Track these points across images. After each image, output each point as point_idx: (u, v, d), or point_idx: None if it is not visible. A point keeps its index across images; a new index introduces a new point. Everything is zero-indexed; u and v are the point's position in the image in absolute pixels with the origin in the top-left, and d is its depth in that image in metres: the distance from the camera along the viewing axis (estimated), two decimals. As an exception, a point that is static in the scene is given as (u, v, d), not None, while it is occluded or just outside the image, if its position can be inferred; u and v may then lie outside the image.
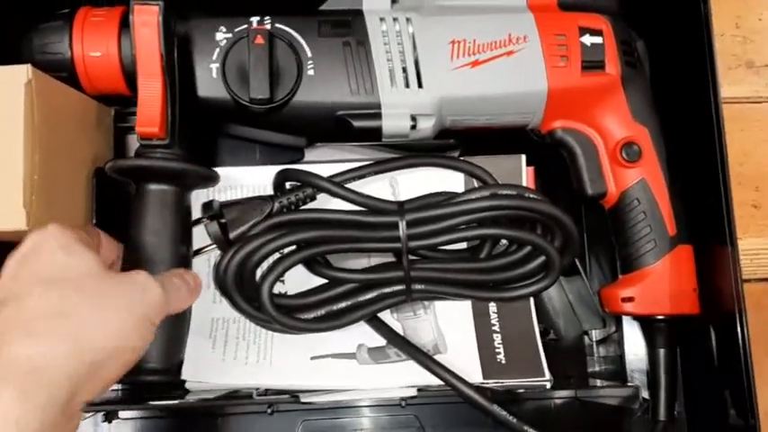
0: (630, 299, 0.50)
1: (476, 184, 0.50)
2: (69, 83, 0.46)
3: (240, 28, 0.45)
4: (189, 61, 0.45)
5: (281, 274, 0.45)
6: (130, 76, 0.45)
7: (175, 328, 0.43)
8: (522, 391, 0.49)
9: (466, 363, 0.49)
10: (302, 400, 0.47)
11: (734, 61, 0.58)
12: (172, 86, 0.43)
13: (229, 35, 0.45)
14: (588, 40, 0.47)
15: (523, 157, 0.51)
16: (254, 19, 0.46)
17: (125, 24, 0.45)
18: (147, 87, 0.42)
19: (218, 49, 0.45)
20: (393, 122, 0.46)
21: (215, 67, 0.45)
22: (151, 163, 0.43)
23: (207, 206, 0.47)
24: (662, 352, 0.50)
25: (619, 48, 0.48)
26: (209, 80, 0.45)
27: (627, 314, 0.51)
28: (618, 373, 0.53)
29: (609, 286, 0.52)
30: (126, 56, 0.45)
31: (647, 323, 0.51)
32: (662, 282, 0.49)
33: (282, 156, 0.52)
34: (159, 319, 0.38)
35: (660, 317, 0.50)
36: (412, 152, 0.50)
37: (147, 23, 0.42)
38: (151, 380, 0.42)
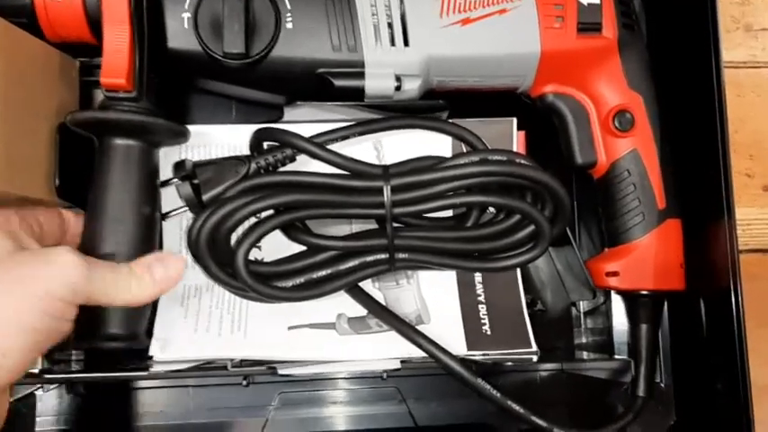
0: (615, 273, 0.47)
1: (464, 148, 0.46)
2: (29, 29, 0.41)
3: (215, -24, 0.41)
4: (158, 9, 0.41)
5: (258, 240, 0.41)
6: (95, 21, 0.41)
7: None
8: (507, 363, 0.46)
9: (450, 334, 0.46)
10: (279, 372, 0.43)
11: (732, 23, 0.55)
12: (140, 35, 0.39)
13: (202, -17, 0.41)
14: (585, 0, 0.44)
15: (514, 120, 0.47)
16: (232, -33, 0.41)
17: None
18: (114, 35, 0.38)
19: (189, -2, 0.41)
20: (376, 82, 0.42)
21: (186, 16, 0.41)
22: (116, 116, 0.38)
23: (179, 165, 0.43)
24: (644, 327, 0.47)
25: (616, 9, 0.45)
26: (181, 30, 0.41)
27: (611, 288, 0.49)
28: (605, 345, 0.51)
29: (594, 259, 0.49)
30: (90, 1, 0.40)
31: (630, 298, 0.48)
32: (648, 256, 0.46)
33: (260, 114, 0.47)
34: (77, 298, 0.34)
35: (644, 292, 0.47)
36: (398, 113, 0.46)
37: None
38: (112, 346, 0.38)
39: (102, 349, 0.39)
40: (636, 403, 0.46)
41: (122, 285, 0.37)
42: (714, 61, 0.43)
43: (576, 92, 0.47)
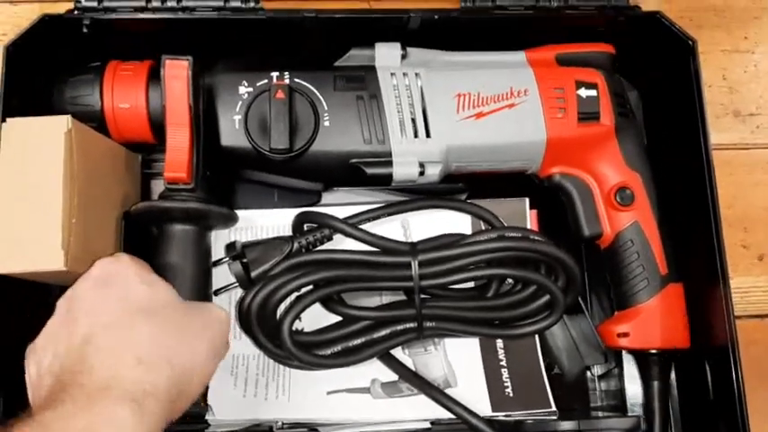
0: (626, 334, 0.50)
1: (483, 225, 0.50)
2: (98, 132, 0.47)
3: (261, 82, 0.46)
4: (213, 112, 0.46)
5: (301, 312, 0.45)
6: (157, 125, 0.46)
7: None
8: (529, 421, 0.49)
9: (475, 396, 0.48)
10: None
11: (721, 110, 0.60)
12: (197, 135, 0.44)
13: (251, 89, 0.46)
14: (584, 93, 0.48)
15: (527, 200, 0.52)
16: (275, 74, 0.46)
17: (152, 77, 0.46)
18: (176, 136, 0.43)
19: (240, 102, 0.46)
20: (403, 169, 0.47)
21: (237, 118, 0.46)
22: (178, 204, 0.43)
23: (230, 247, 0.48)
24: (655, 384, 0.50)
25: (612, 100, 0.49)
26: (232, 130, 0.46)
27: (622, 348, 0.51)
28: (618, 406, 0.53)
29: (605, 322, 0.52)
30: (153, 107, 0.46)
31: (641, 357, 0.51)
32: (655, 318, 0.49)
33: (300, 199, 0.52)
34: (226, 349, 0.40)
35: (653, 351, 0.50)
36: (422, 195, 0.50)
37: (178, 77, 0.43)
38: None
39: None
40: None
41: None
42: (703, 144, 0.47)
43: (581, 172, 0.51)
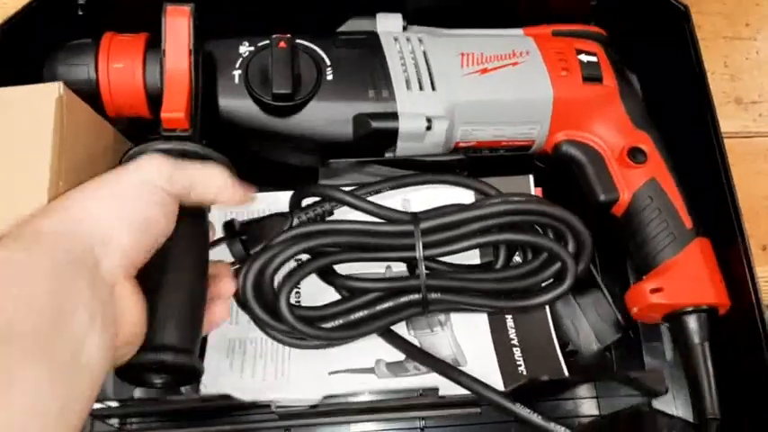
0: (659, 289, 0.46)
1: (486, 200, 0.49)
2: (91, 103, 0.44)
3: (262, 42, 0.45)
4: (212, 75, 0.44)
5: (298, 282, 0.43)
6: (153, 97, 0.44)
7: (189, 308, 0.37)
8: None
9: (486, 375, 0.44)
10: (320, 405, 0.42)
11: (723, 98, 0.59)
12: (196, 87, 0.41)
13: (251, 48, 0.45)
14: (585, 58, 0.48)
15: (531, 176, 0.50)
16: (275, 36, 0.45)
17: (150, 46, 0.44)
18: (175, 76, 0.41)
19: (240, 59, 0.44)
20: (409, 123, 0.44)
21: (237, 73, 0.44)
22: (175, 145, 0.39)
23: (228, 225, 0.45)
24: (698, 346, 0.45)
25: (612, 63, 0.49)
26: (231, 87, 0.44)
27: (658, 307, 0.46)
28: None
29: (633, 286, 0.48)
30: (150, 77, 0.44)
31: (676, 318, 0.46)
32: (687, 272, 0.46)
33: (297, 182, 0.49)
34: (174, 187, 0.35)
35: (689, 308, 0.45)
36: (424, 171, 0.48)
37: (179, 20, 0.41)
38: (167, 360, 0.35)
39: (149, 380, 0.37)
40: (711, 426, 0.44)
41: (214, 173, 0.38)
42: (709, 114, 0.47)
43: (590, 137, 0.49)
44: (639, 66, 0.54)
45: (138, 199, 0.34)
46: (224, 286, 0.41)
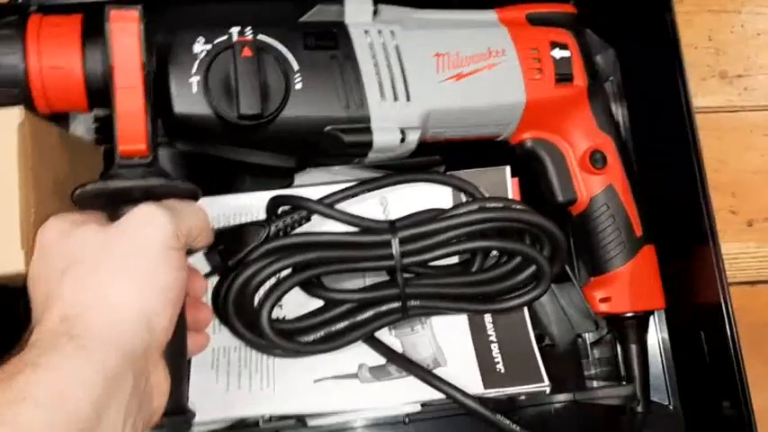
0: (607, 299, 0.49)
1: (463, 198, 0.48)
2: (19, 100, 0.38)
3: (221, 39, 0.40)
4: (163, 74, 0.39)
5: (280, 298, 0.41)
6: (93, 90, 0.38)
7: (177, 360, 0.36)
8: (522, 397, 0.46)
9: (466, 374, 0.46)
10: (309, 424, 0.43)
11: (707, 72, 0.57)
12: (152, 105, 0.37)
13: (208, 47, 0.40)
14: (558, 53, 0.46)
15: (508, 168, 0.49)
16: (235, 30, 0.40)
17: (87, 33, 0.38)
18: (127, 100, 0.36)
19: (197, 62, 0.39)
20: (383, 136, 0.42)
21: (195, 80, 0.39)
22: (138, 183, 0.35)
23: None
24: (634, 348, 0.49)
25: (584, 60, 0.48)
26: (188, 95, 0.39)
27: (603, 314, 0.50)
28: (613, 373, 0.52)
29: (584, 289, 0.50)
30: (90, 68, 0.38)
31: (618, 322, 0.50)
32: (633, 281, 0.49)
33: (272, 182, 0.47)
34: (180, 242, 0.34)
35: (630, 314, 0.49)
36: (399, 170, 0.47)
37: (127, 30, 0.35)
38: (192, 419, 0.36)
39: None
40: (636, 420, 0.47)
41: (200, 216, 0.37)
42: (683, 91, 0.46)
43: (554, 136, 0.49)
44: (617, 40, 0.53)
45: (167, 274, 0.33)
46: (202, 315, 0.41)
